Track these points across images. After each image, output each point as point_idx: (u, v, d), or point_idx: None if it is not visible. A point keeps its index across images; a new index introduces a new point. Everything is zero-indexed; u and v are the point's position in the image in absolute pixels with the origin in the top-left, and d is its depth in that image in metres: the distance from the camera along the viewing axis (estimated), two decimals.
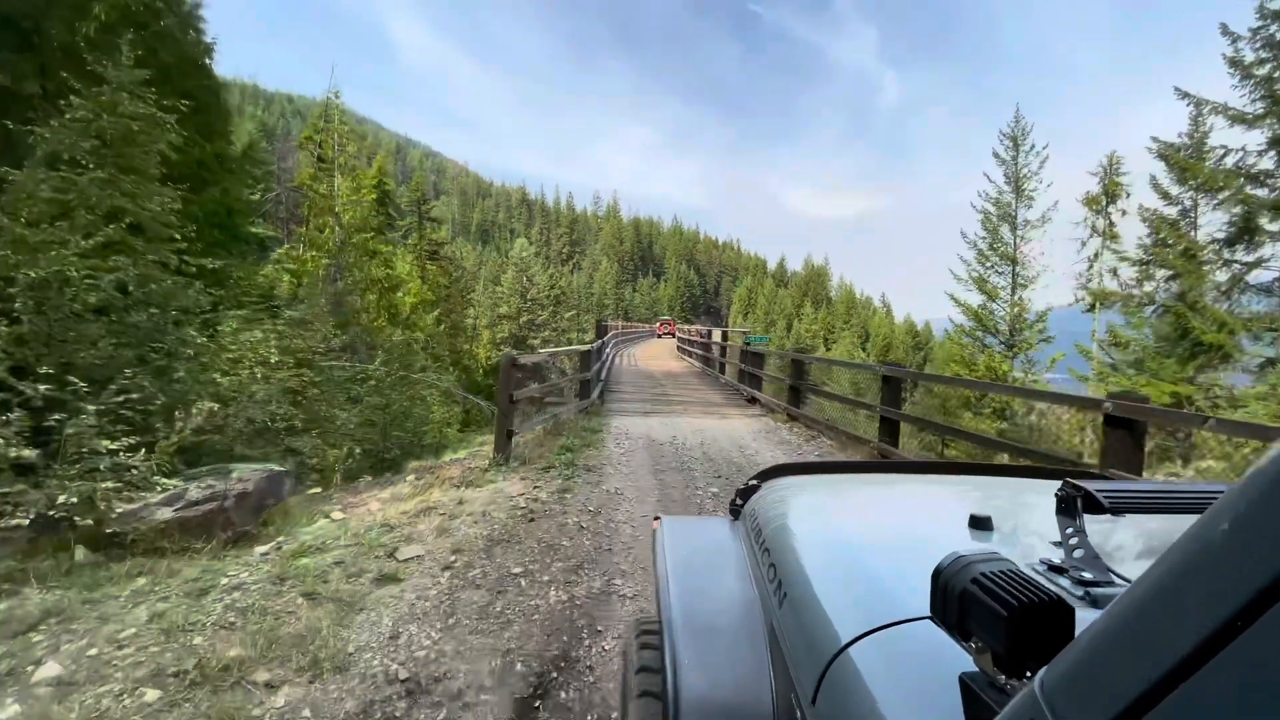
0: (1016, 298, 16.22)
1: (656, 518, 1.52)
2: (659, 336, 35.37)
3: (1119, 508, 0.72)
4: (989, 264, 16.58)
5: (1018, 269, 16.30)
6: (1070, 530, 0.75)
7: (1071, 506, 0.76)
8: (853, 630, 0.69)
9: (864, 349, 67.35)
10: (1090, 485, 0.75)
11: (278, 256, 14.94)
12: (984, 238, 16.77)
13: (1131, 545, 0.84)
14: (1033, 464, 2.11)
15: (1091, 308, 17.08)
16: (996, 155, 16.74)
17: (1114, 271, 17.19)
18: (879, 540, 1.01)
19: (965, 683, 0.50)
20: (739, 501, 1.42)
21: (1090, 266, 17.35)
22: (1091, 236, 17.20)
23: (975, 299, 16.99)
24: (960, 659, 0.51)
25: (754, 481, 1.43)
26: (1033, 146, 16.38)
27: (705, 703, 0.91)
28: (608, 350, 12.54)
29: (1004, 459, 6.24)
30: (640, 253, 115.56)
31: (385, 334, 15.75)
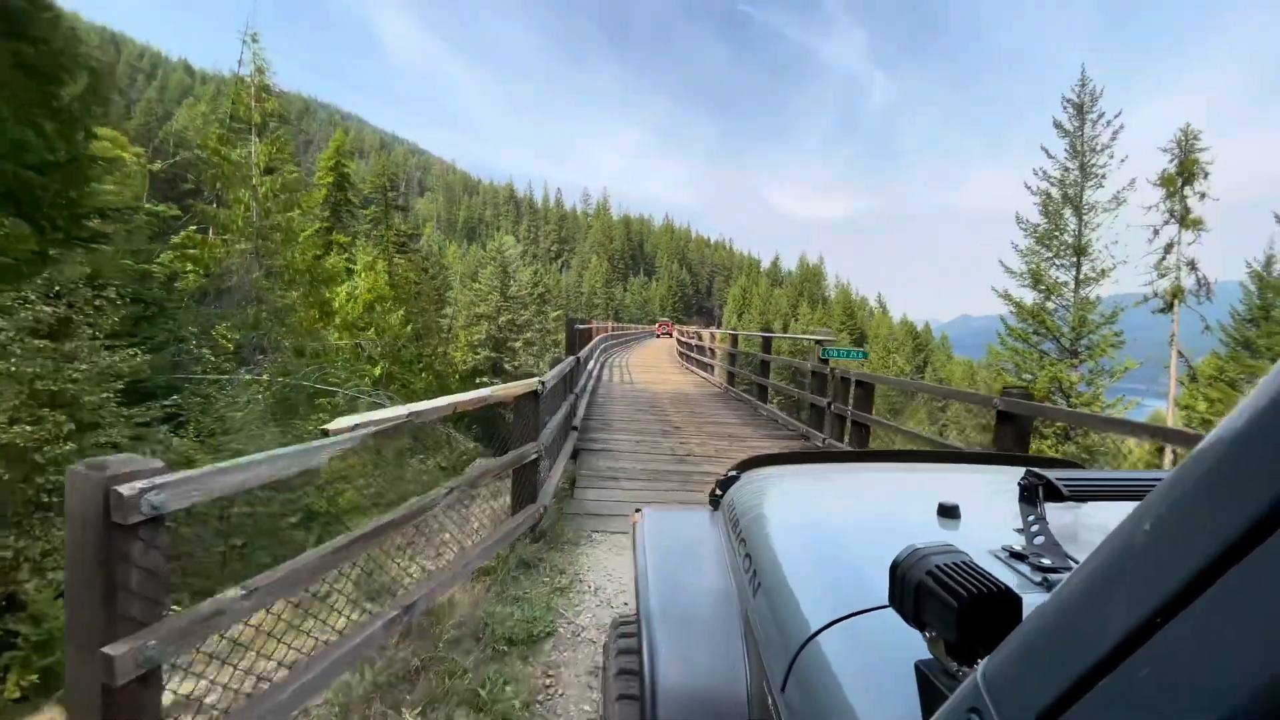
0: (1083, 295, 13.59)
1: (638, 509, 1.49)
2: (658, 336, 36.55)
3: (1078, 495, 0.78)
4: (1050, 254, 13.92)
5: (1083, 260, 13.67)
6: (1032, 518, 0.79)
7: (1033, 495, 0.80)
8: (822, 618, 0.71)
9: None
10: (1053, 474, 0.79)
11: (179, 240, 11.90)
12: (1043, 224, 14.11)
13: (1093, 531, 0.82)
14: (1007, 453, 1.90)
15: (1167, 306, 14.51)
16: (1058, 125, 14.09)
17: (1192, 265, 14.69)
18: (851, 530, 1.01)
19: (920, 670, 0.52)
20: (719, 492, 1.42)
21: (1162, 259, 14.80)
22: (1167, 223, 14.63)
23: (1024, 294, 14.38)
24: (921, 647, 0.51)
25: (733, 472, 1.43)
26: (1101, 114, 13.74)
27: (682, 692, 0.92)
28: (586, 375, 8.20)
29: None
30: (631, 251, 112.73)
31: (320, 336, 12.76)
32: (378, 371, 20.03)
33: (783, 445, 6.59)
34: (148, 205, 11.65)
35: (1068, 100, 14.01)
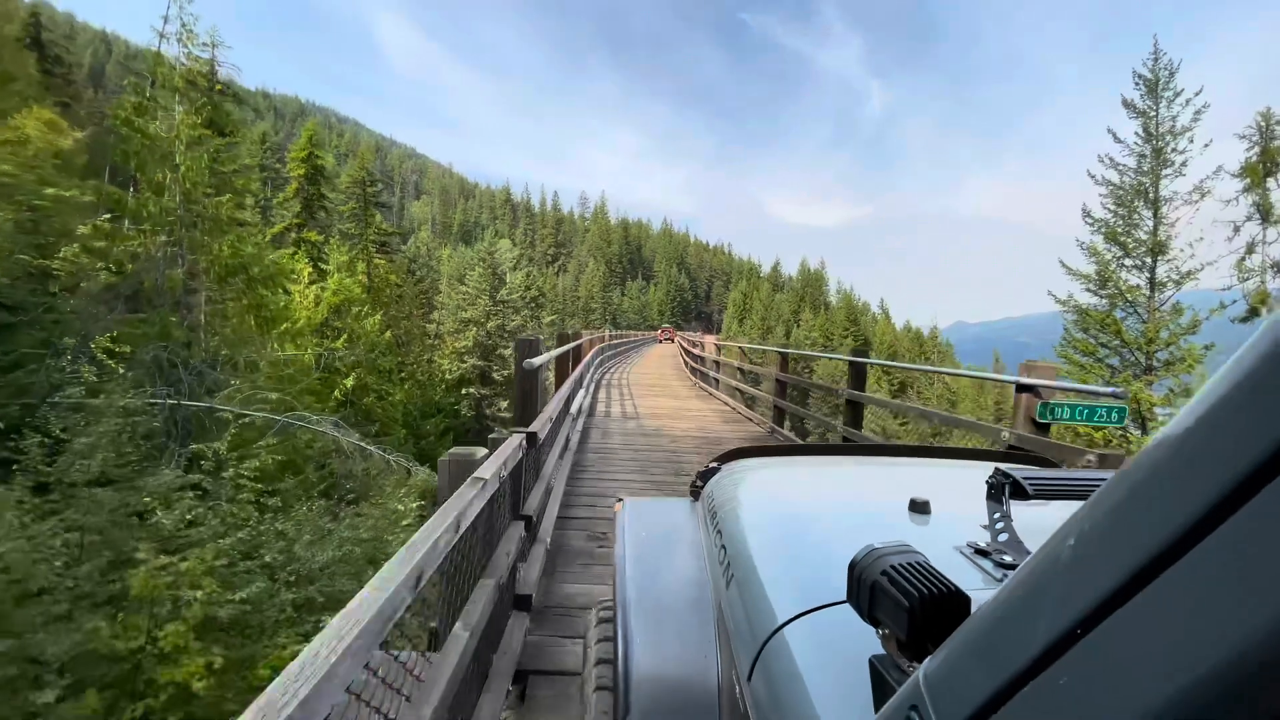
0: (1160, 303, 11.63)
1: (619, 499, 1.49)
2: (659, 342, 37.44)
3: (1043, 494, 0.78)
4: (1122, 253, 11.96)
5: (1158, 260, 11.72)
6: (997, 515, 0.80)
7: (1000, 492, 0.81)
8: (789, 611, 0.72)
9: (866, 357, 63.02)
10: (1021, 472, 0.80)
11: (86, 232, 9.83)
12: (1113, 217, 12.16)
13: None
14: (984, 448, 1.81)
15: (1252, 313, 12.55)
16: (1129, 105, 12.16)
17: (1278, 267, 12.76)
18: (823, 524, 1.03)
19: (874, 665, 0.53)
20: (699, 483, 1.41)
21: (1243, 259, 12.86)
22: (1249, 219, 12.70)
23: (1081, 298, 12.42)
24: (879, 643, 0.53)
25: (714, 464, 1.43)
26: (1179, 92, 11.82)
27: (654, 680, 0.92)
28: (572, 418, 5.74)
29: None
30: (629, 255, 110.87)
31: (257, 345, 10.68)
32: (349, 383, 17.95)
33: None
34: (52, 190, 9.57)
35: (1139, 76, 12.11)
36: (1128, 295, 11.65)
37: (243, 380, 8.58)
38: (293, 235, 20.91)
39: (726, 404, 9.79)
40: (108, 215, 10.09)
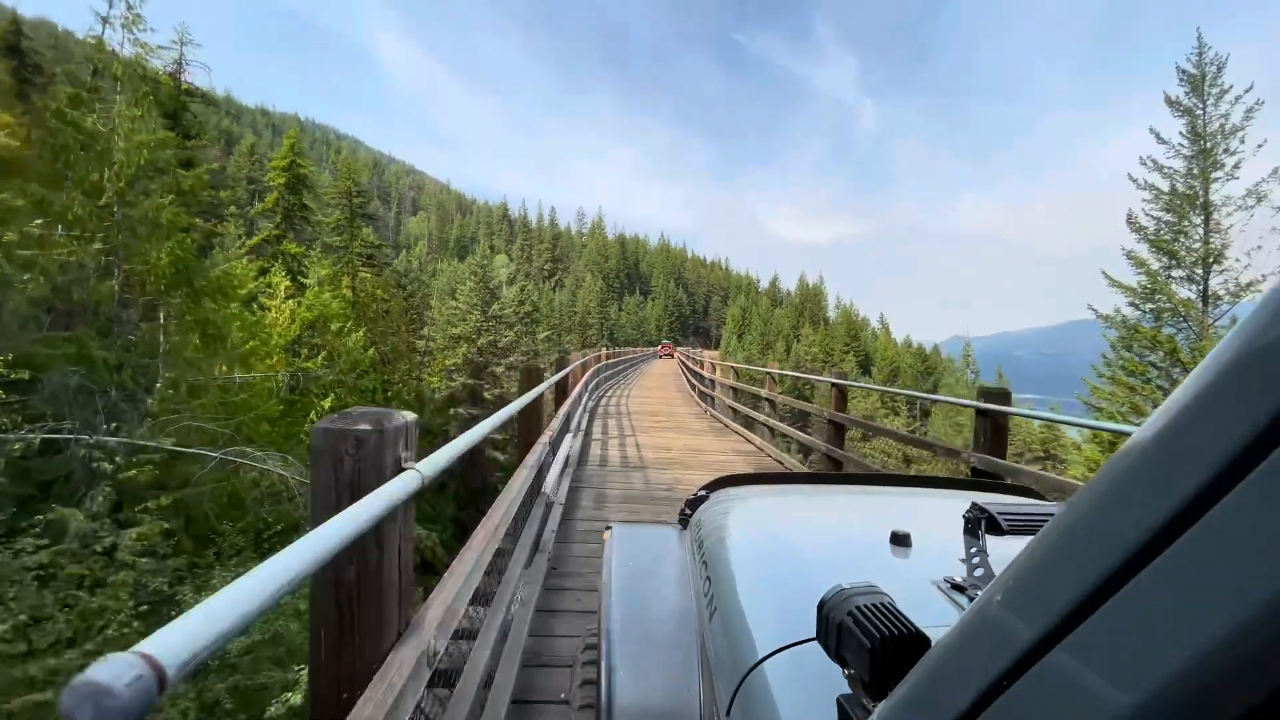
0: (1214, 318, 10.52)
1: (608, 527, 1.46)
2: (660, 358, 37.17)
3: (1017, 529, 0.78)
4: (1172, 263, 10.88)
5: (1210, 271, 10.64)
6: (974, 550, 0.82)
7: (976, 527, 0.83)
8: (768, 646, 0.73)
9: (868, 374, 61.95)
10: (995, 508, 0.81)
11: (12, 239, 8.64)
12: (1160, 224, 11.09)
13: None
14: (972, 479, 1.75)
15: None
16: (1173, 103, 11.17)
17: None
18: (806, 556, 1.03)
19: (841, 704, 0.54)
20: (687, 511, 1.41)
21: None
22: None
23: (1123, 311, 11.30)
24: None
25: (703, 491, 1.43)
26: (1228, 89, 10.85)
27: (636, 712, 0.91)
28: (558, 487, 4.27)
29: None
30: (626, 270, 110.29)
31: (212, 370, 9.44)
32: (327, 404, 16.72)
33: None
34: None
35: (1183, 73, 11.15)
36: (1179, 309, 10.53)
37: (161, 408, 7.33)
38: (272, 248, 19.78)
39: (747, 440, 8.46)
40: (38, 220, 8.91)
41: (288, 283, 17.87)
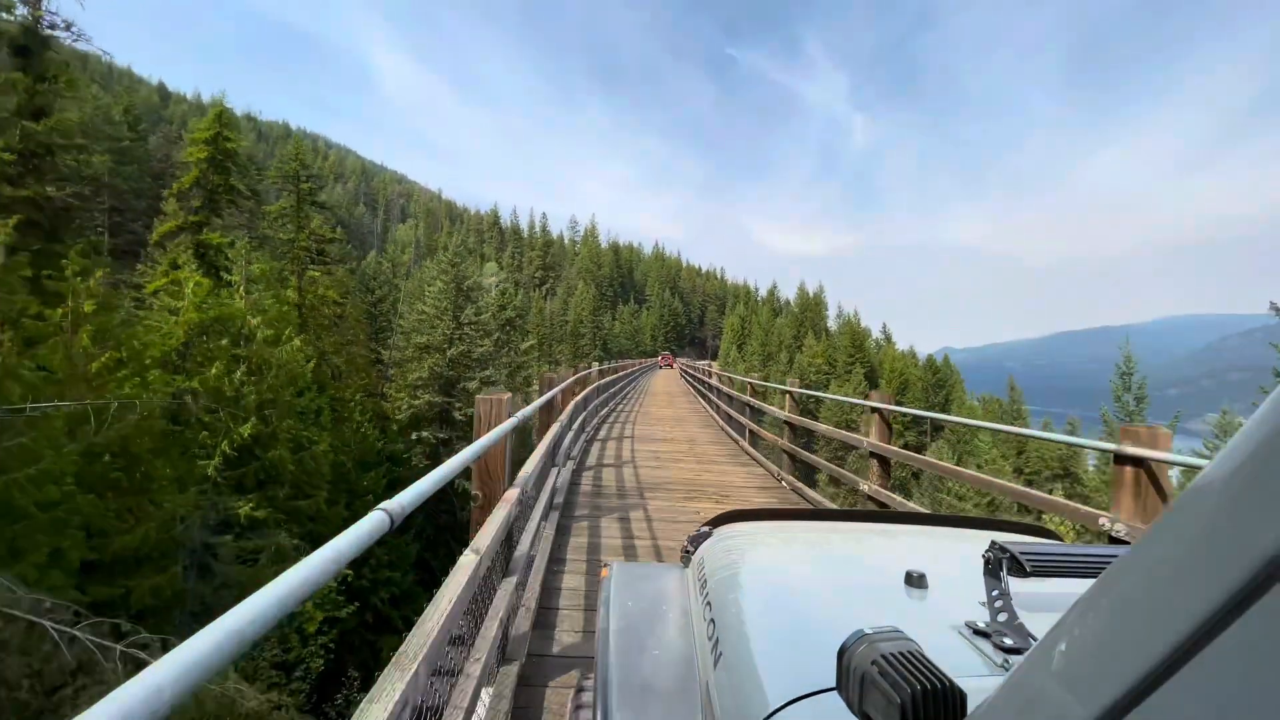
0: None
1: (605, 565, 1.40)
2: (661, 368, 36.34)
3: (1041, 571, 0.73)
4: None
5: None
6: (996, 593, 0.75)
7: (997, 568, 0.76)
8: (780, 697, 0.69)
9: (875, 386, 58.71)
10: (1016, 547, 0.75)
11: None
12: None
13: (1060, 607, 0.71)
14: (983, 516, 1.64)
15: None
16: None
17: None
18: (817, 599, 0.97)
19: None
20: (690, 549, 1.35)
21: None
22: None
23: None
24: None
25: (706, 528, 1.37)
26: None
27: None
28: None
29: None
30: (620, 279, 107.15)
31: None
32: (246, 431, 13.05)
33: None
34: None
35: None
36: None
37: None
38: (190, 236, 16.18)
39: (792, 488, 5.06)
40: None
41: (200, 278, 14.19)
